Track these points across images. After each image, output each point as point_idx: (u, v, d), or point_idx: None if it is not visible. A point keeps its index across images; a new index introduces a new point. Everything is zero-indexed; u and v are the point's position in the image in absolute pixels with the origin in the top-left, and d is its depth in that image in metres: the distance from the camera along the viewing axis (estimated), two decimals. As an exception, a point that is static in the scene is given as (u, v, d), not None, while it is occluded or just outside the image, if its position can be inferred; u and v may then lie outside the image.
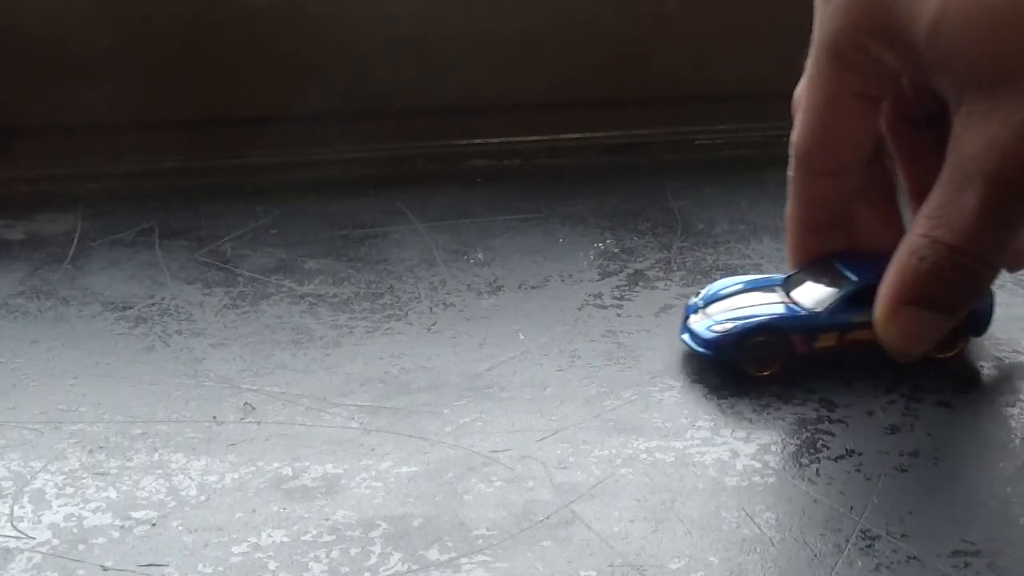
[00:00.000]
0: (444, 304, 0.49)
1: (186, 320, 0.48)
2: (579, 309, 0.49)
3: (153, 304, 0.49)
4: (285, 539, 0.36)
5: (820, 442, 0.40)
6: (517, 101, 0.63)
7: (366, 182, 0.61)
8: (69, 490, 0.38)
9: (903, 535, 0.36)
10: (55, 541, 0.35)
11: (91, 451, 0.40)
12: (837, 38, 0.39)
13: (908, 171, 0.44)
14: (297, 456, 0.40)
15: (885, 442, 0.40)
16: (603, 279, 0.52)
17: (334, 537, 0.36)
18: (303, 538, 0.36)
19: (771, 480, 0.38)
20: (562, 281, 0.51)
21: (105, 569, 0.34)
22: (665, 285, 0.51)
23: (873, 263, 0.41)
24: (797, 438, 0.41)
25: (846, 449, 0.40)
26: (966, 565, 0.35)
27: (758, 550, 0.35)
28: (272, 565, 0.35)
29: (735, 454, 0.40)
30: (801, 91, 0.42)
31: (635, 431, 0.41)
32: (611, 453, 0.40)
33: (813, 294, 0.44)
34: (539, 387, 0.44)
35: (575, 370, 0.45)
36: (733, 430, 0.41)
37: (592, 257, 0.54)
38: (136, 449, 0.40)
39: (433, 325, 0.48)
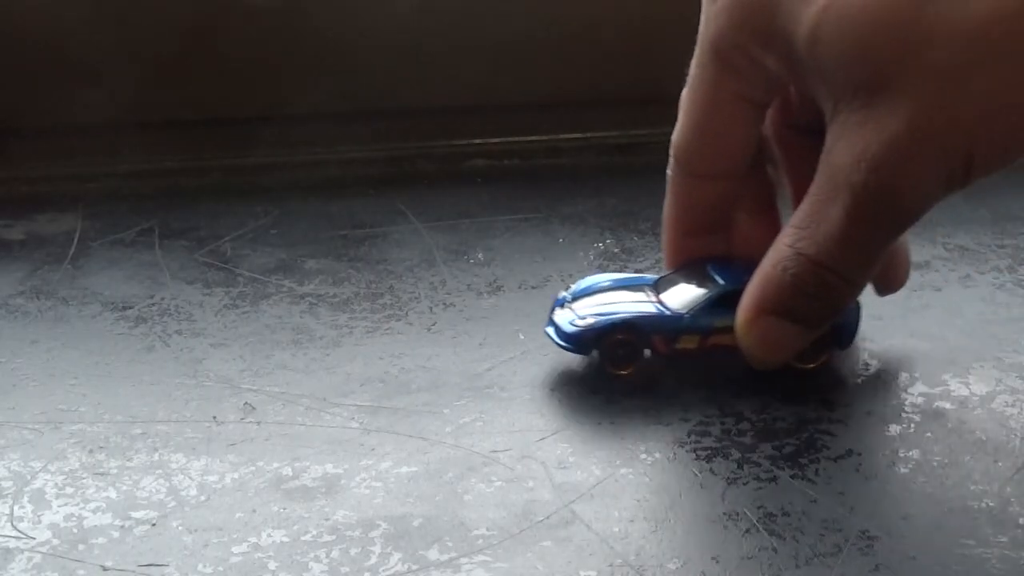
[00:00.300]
0: (444, 304, 0.49)
1: (186, 320, 0.48)
2: (579, 309, 0.49)
3: (153, 304, 0.49)
4: (285, 539, 0.36)
5: (820, 442, 0.40)
6: (517, 101, 0.63)
7: (366, 182, 0.61)
8: (69, 490, 0.38)
9: (903, 535, 0.36)
10: (55, 541, 0.35)
11: (91, 451, 0.40)
12: (719, 38, 0.39)
13: (792, 180, 0.43)
14: (297, 456, 0.40)
15: (885, 442, 0.40)
16: (603, 279, 0.52)
17: (334, 537, 0.36)
18: (303, 538, 0.36)
19: (771, 480, 0.38)
20: (562, 281, 0.51)
21: (105, 569, 0.34)
22: (665, 285, 0.51)
23: (747, 269, 0.40)
24: (797, 438, 0.41)
25: (846, 449, 0.40)
26: (966, 565, 0.35)
27: (758, 550, 0.35)
28: (272, 565, 0.35)
29: (735, 454, 0.40)
30: (685, 91, 0.41)
31: (635, 431, 0.41)
32: (611, 453, 0.40)
33: (680, 296, 0.43)
34: (539, 387, 0.44)
35: (575, 370, 0.45)
36: (733, 430, 0.41)
37: (592, 257, 0.54)
38: (136, 449, 0.40)
39: (433, 325, 0.48)
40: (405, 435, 0.41)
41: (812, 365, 0.44)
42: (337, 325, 0.48)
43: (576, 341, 0.43)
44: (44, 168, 0.61)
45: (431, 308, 0.49)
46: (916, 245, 0.54)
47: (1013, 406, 0.42)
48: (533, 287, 0.51)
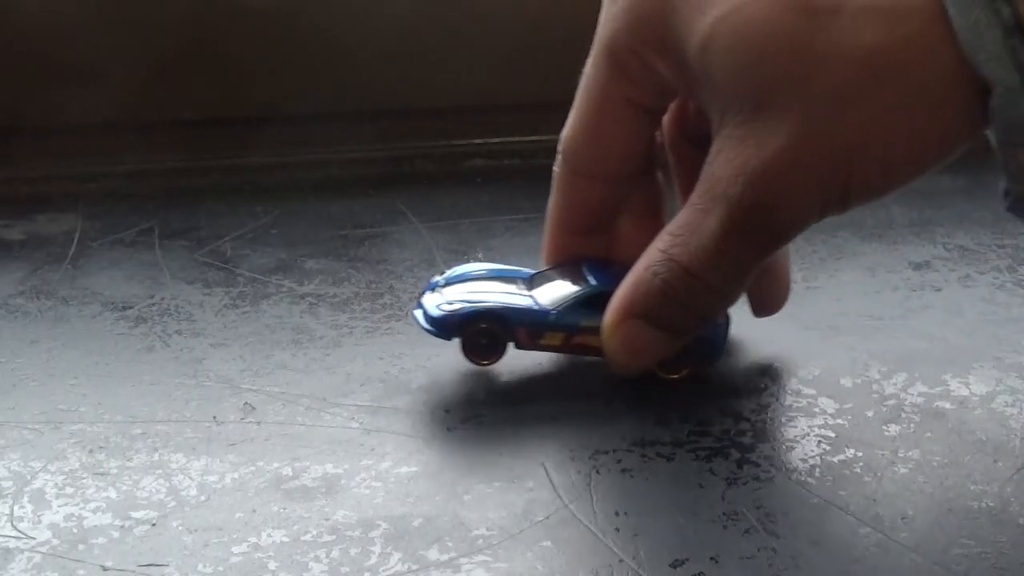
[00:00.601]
0: (444, 304, 0.49)
1: (186, 320, 0.48)
2: (579, 309, 0.49)
3: (153, 304, 0.49)
4: (285, 539, 0.36)
5: (820, 442, 0.40)
6: (517, 101, 0.63)
7: (366, 182, 0.61)
8: (69, 490, 0.38)
9: (903, 535, 0.36)
10: (55, 541, 0.35)
11: (91, 451, 0.40)
12: (614, 40, 0.38)
13: (682, 189, 0.43)
14: (297, 456, 0.40)
15: (885, 442, 0.40)
16: (603, 279, 0.52)
17: (334, 537, 0.36)
18: (303, 538, 0.36)
19: (771, 480, 0.38)
20: (562, 281, 0.51)
21: (105, 569, 0.34)
22: (665, 285, 0.51)
23: (623, 272, 0.40)
24: (796, 438, 0.41)
25: (846, 449, 0.40)
26: (966, 565, 0.35)
27: (758, 550, 0.35)
28: (272, 565, 0.35)
29: (735, 454, 0.40)
30: (578, 89, 0.41)
31: (635, 431, 0.41)
32: (611, 453, 0.40)
33: (551, 292, 0.43)
34: (539, 387, 0.44)
35: (575, 370, 0.45)
36: (733, 430, 0.41)
37: (592, 257, 0.54)
38: (136, 449, 0.40)
39: (433, 325, 0.48)
40: (405, 435, 0.41)
41: (675, 376, 0.43)
42: (337, 325, 0.48)
43: (440, 325, 0.43)
44: (44, 168, 0.61)
45: (431, 308, 0.49)
46: (916, 245, 0.55)
47: (1013, 406, 0.42)
48: (533, 287, 0.51)
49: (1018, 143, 0.33)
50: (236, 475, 0.39)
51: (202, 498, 0.38)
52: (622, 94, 0.40)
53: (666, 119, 0.43)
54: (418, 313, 0.44)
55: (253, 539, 0.36)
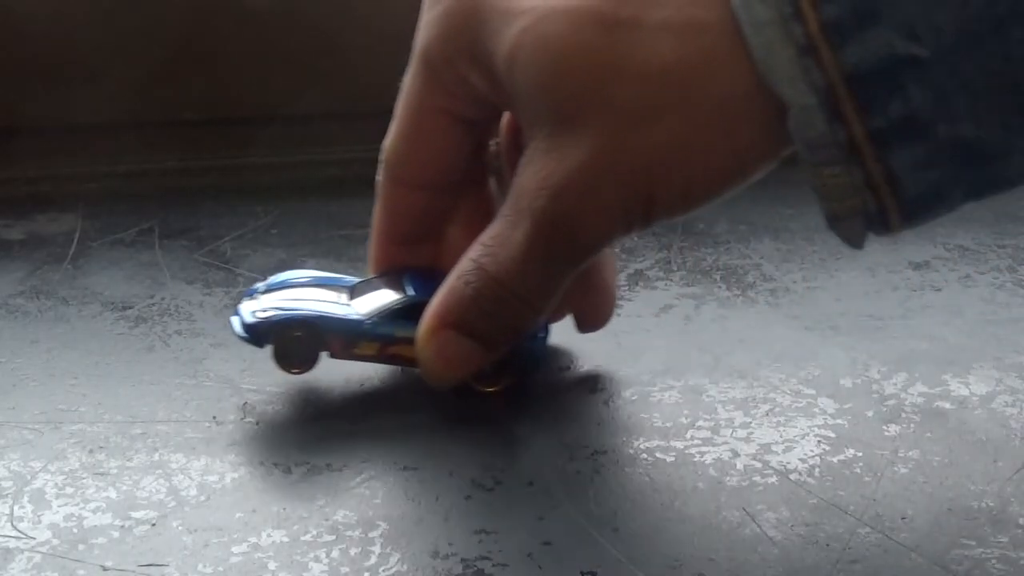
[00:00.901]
0: (444, 304, 0.49)
1: (186, 320, 0.48)
2: (579, 309, 0.49)
3: (153, 304, 0.49)
4: (285, 539, 0.36)
5: (820, 442, 0.40)
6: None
7: (366, 182, 0.61)
8: (69, 490, 0.38)
9: (903, 535, 0.36)
10: (55, 541, 0.35)
11: (91, 451, 0.40)
12: (429, 49, 0.38)
13: None
14: (297, 456, 0.40)
15: (885, 442, 0.40)
16: (603, 279, 0.52)
17: (334, 537, 0.36)
18: (303, 538, 0.36)
19: (771, 480, 0.38)
20: (562, 281, 0.51)
21: (105, 569, 0.34)
22: (665, 285, 0.51)
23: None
24: (797, 438, 0.41)
25: (846, 449, 0.40)
26: (966, 565, 0.35)
27: (758, 550, 0.35)
28: (272, 565, 0.35)
29: (735, 454, 0.40)
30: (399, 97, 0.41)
31: (635, 431, 0.41)
32: (611, 453, 0.40)
33: (368, 302, 0.42)
34: (539, 387, 0.44)
35: (575, 370, 0.45)
36: (733, 430, 0.41)
37: (592, 257, 0.54)
38: (136, 449, 0.40)
39: (433, 325, 0.48)
40: (405, 435, 0.41)
41: (491, 389, 0.42)
42: (337, 325, 0.48)
43: (252, 332, 0.42)
44: (44, 168, 0.61)
45: (431, 308, 0.49)
46: (916, 245, 0.55)
47: (1013, 406, 0.42)
48: (533, 287, 0.51)
49: (821, 162, 0.33)
50: (236, 475, 0.39)
51: (202, 498, 0.38)
52: (438, 104, 0.39)
53: (503, 127, 0.42)
54: (234, 320, 0.43)
55: (253, 539, 0.36)
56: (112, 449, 0.40)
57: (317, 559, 0.35)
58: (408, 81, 0.40)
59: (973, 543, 0.36)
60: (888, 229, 0.34)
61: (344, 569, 0.35)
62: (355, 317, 0.42)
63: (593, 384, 0.44)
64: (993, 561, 0.35)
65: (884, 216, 0.34)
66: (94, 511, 0.37)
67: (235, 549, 0.35)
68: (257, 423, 0.41)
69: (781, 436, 0.41)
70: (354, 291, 0.43)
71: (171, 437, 0.41)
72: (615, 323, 0.48)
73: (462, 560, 0.35)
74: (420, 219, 0.42)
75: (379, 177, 0.42)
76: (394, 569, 0.35)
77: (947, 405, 0.43)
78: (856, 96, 0.32)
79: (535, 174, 0.35)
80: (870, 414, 0.42)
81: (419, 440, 0.41)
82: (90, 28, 0.60)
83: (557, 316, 0.44)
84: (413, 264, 0.43)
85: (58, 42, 0.60)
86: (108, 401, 0.42)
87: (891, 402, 0.43)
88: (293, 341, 0.42)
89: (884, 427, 0.41)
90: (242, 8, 0.61)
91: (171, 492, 0.38)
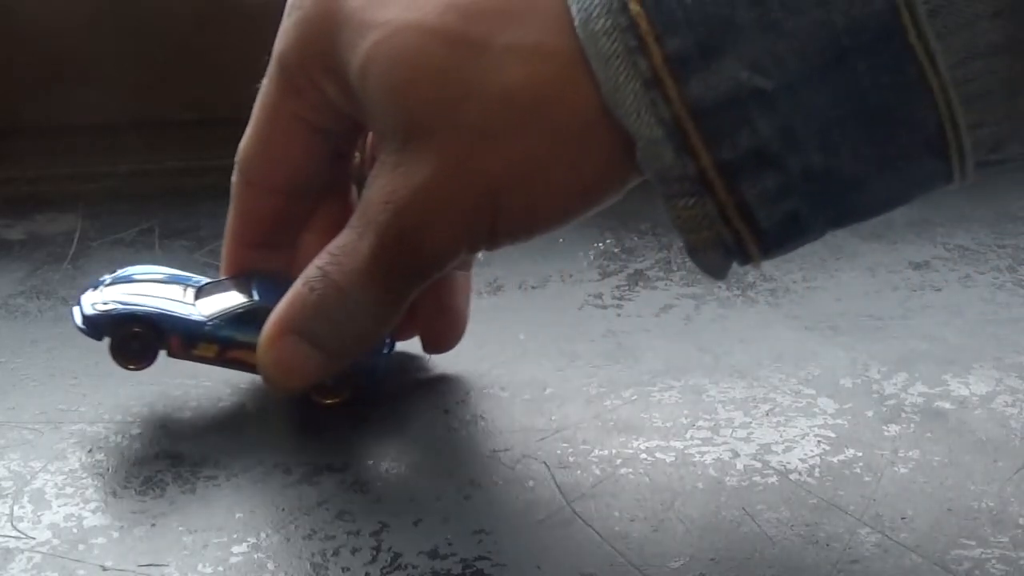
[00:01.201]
0: (444, 304, 0.49)
1: (186, 320, 0.48)
2: (579, 309, 0.49)
3: (153, 304, 0.49)
4: (285, 539, 0.36)
5: (820, 442, 0.40)
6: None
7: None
8: (69, 490, 0.38)
9: (903, 535, 0.36)
10: (55, 541, 0.35)
11: (91, 451, 0.40)
12: (285, 56, 0.38)
13: None
14: (297, 456, 0.40)
15: (885, 442, 0.40)
16: (603, 279, 0.52)
17: (334, 537, 0.36)
18: (303, 538, 0.36)
19: (771, 480, 0.38)
20: (562, 281, 0.51)
21: (105, 569, 0.34)
22: (665, 285, 0.51)
23: None
24: (797, 438, 0.41)
25: (846, 449, 0.40)
26: (966, 565, 0.35)
27: (758, 550, 0.35)
28: (272, 565, 0.35)
29: (735, 454, 0.40)
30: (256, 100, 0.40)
31: (635, 431, 0.41)
32: (611, 453, 0.40)
33: (213, 303, 0.42)
34: (539, 387, 0.44)
35: (575, 370, 0.45)
36: (733, 430, 0.41)
37: (592, 257, 0.54)
38: (136, 449, 0.40)
39: (433, 325, 0.48)
40: (405, 435, 0.41)
41: (329, 401, 0.42)
42: (337, 325, 0.48)
43: (90, 325, 0.41)
44: (44, 168, 0.61)
45: (431, 308, 0.49)
46: (916, 245, 0.55)
47: (1013, 406, 0.42)
48: (533, 287, 0.51)
49: (673, 194, 0.33)
50: (236, 475, 0.39)
51: (202, 498, 0.38)
52: (291, 110, 0.39)
53: (371, 136, 0.42)
54: (75, 310, 0.42)
55: (253, 539, 0.36)
56: (112, 449, 0.40)
57: (317, 559, 0.35)
58: (264, 85, 0.39)
59: (973, 543, 0.36)
60: (749, 260, 0.34)
61: (344, 569, 0.35)
62: (196, 318, 0.41)
63: (594, 384, 0.44)
64: (993, 561, 0.35)
65: (742, 247, 0.34)
66: (94, 511, 0.37)
67: (235, 549, 0.35)
68: (257, 423, 0.41)
69: (781, 436, 0.41)
70: (201, 291, 0.43)
71: (171, 437, 0.41)
72: (615, 323, 0.48)
73: (462, 560, 0.35)
74: (273, 224, 0.42)
75: (233, 178, 0.42)
76: (394, 569, 0.35)
77: (947, 405, 0.43)
78: (703, 129, 0.32)
79: (381, 188, 0.35)
80: (870, 414, 0.42)
81: (419, 440, 0.41)
82: (90, 28, 0.60)
83: (405, 335, 0.44)
84: (266, 269, 0.42)
85: (58, 42, 0.60)
86: (108, 401, 0.42)
87: (891, 402, 0.43)
88: (131, 337, 0.41)
89: (884, 427, 0.41)
90: (242, 8, 0.61)
91: (171, 492, 0.38)
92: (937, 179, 0.33)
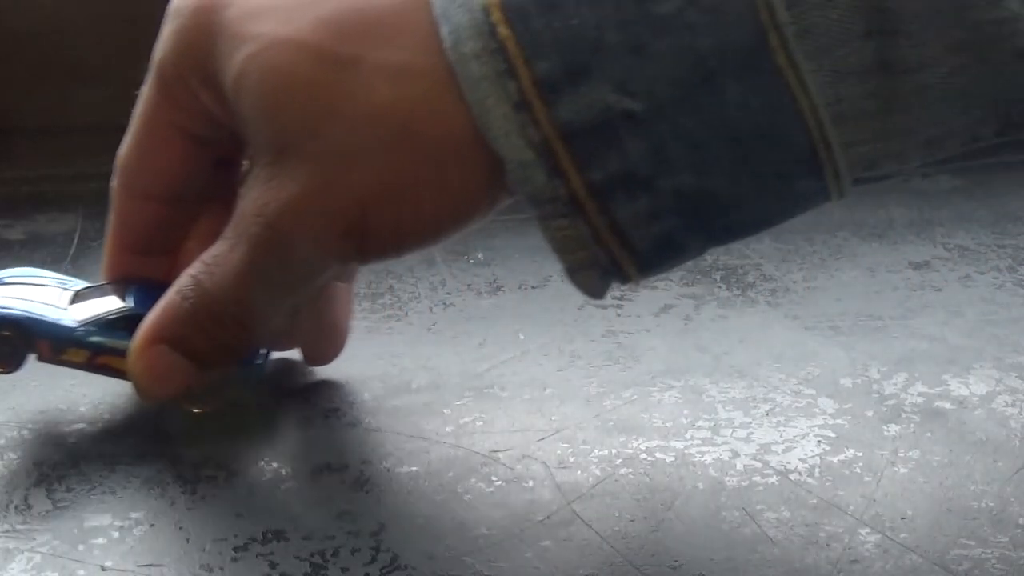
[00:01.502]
0: (444, 304, 0.49)
1: (186, 320, 0.48)
2: (579, 309, 0.49)
3: (153, 304, 0.49)
4: (285, 539, 0.36)
5: (820, 442, 0.40)
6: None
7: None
8: (69, 490, 0.38)
9: (903, 535, 0.36)
10: (55, 541, 0.35)
11: (91, 451, 0.40)
12: (163, 63, 0.38)
13: None
14: (297, 456, 0.40)
15: (885, 442, 0.40)
16: (603, 279, 0.52)
17: (334, 537, 0.36)
18: (303, 538, 0.36)
19: (771, 480, 0.38)
20: (562, 281, 0.51)
21: (105, 569, 0.34)
22: (665, 285, 0.51)
23: None
24: (797, 438, 0.41)
25: (846, 449, 0.40)
26: (966, 565, 0.35)
27: (759, 550, 0.35)
28: (272, 565, 0.35)
29: (735, 454, 0.40)
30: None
31: (635, 431, 0.41)
32: (611, 453, 0.40)
33: (88, 308, 0.41)
34: (539, 387, 0.44)
35: (575, 370, 0.45)
36: (733, 430, 0.41)
37: (592, 257, 0.54)
38: (136, 449, 0.40)
39: (433, 325, 0.48)
40: (405, 435, 0.41)
41: (198, 410, 0.41)
42: (337, 325, 0.48)
43: None
44: (44, 168, 0.61)
45: (431, 308, 0.49)
46: (916, 245, 0.55)
47: (1013, 406, 0.42)
48: (533, 287, 0.51)
49: (547, 216, 0.33)
50: (236, 475, 0.39)
51: (202, 498, 0.38)
52: (169, 119, 0.39)
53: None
54: None
55: (253, 539, 0.36)
56: (112, 449, 0.40)
57: (317, 559, 0.35)
58: (144, 92, 0.39)
59: (973, 543, 0.36)
60: (627, 279, 0.34)
61: (344, 569, 0.35)
62: (67, 323, 0.40)
63: (594, 384, 0.44)
64: (993, 561, 0.35)
65: (618, 267, 0.34)
66: (94, 511, 0.37)
67: (235, 549, 0.35)
68: (257, 423, 0.41)
69: (781, 436, 0.41)
70: (77, 296, 0.42)
71: (171, 437, 0.41)
72: (615, 323, 0.48)
73: (462, 560, 0.35)
74: (153, 230, 0.41)
75: (112, 184, 0.41)
76: (394, 569, 0.35)
77: (947, 405, 0.43)
78: (573, 151, 0.32)
79: (254, 201, 0.35)
80: (870, 414, 0.42)
81: (419, 440, 0.41)
82: (90, 28, 0.60)
83: (284, 345, 0.44)
84: (146, 275, 0.42)
85: (58, 42, 0.60)
86: (108, 401, 0.42)
87: (891, 402, 0.43)
88: (2, 341, 0.40)
89: (884, 427, 0.41)
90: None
91: (171, 492, 0.38)
92: (814, 197, 0.34)
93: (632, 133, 0.32)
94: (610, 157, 0.32)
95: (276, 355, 0.44)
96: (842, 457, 0.40)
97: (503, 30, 0.32)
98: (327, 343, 0.44)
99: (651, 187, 0.33)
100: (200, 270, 0.37)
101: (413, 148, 0.34)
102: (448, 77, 0.33)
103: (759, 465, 0.39)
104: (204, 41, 0.36)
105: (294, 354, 0.44)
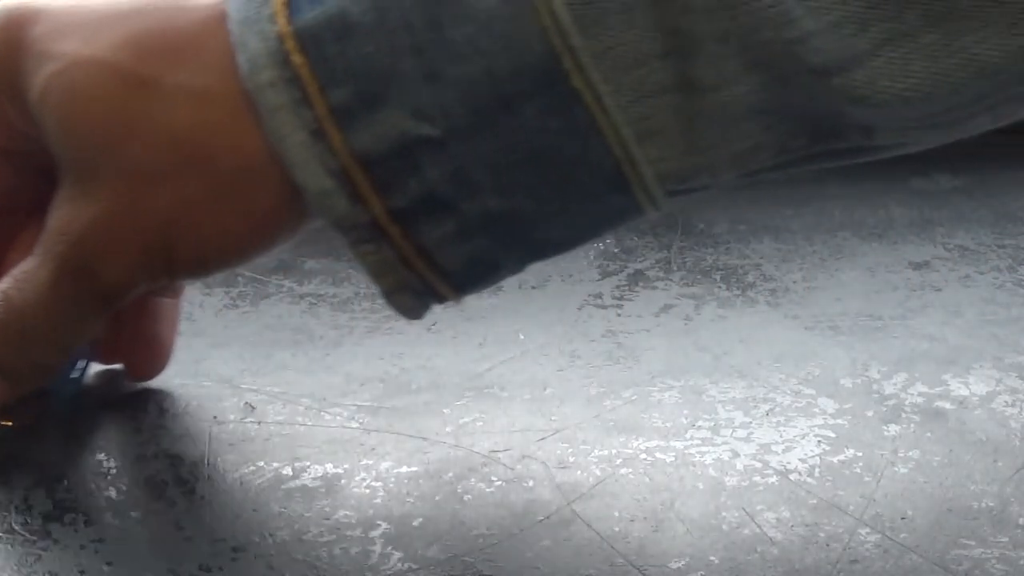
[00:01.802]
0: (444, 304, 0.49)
1: (186, 320, 0.48)
2: (579, 309, 0.49)
3: (153, 304, 0.49)
4: (285, 539, 0.36)
5: (820, 442, 0.40)
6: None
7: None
8: (72, 490, 0.38)
9: (903, 535, 0.36)
10: (58, 541, 0.35)
11: (92, 451, 0.40)
12: None
13: None
14: (297, 456, 0.40)
15: (885, 442, 0.40)
16: (603, 279, 0.52)
17: (334, 537, 0.36)
18: (303, 538, 0.36)
19: (771, 480, 0.39)
20: (562, 281, 0.51)
21: (105, 569, 0.34)
22: (665, 285, 0.51)
23: None
24: (797, 438, 0.41)
25: (846, 449, 0.40)
26: (966, 565, 0.35)
27: (758, 550, 0.35)
28: (272, 565, 0.35)
29: (735, 454, 0.40)
30: None
31: (635, 431, 0.41)
32: (611, 453, 0.40)
33: None
34: (539, 387, 0.44)
35: (575, 370, 0.45)
36: (733, 430, 0.41)
37: (592, 257, 0.54)
38: (136, 449, 0.40)
39: (433, 325, 0.48)
40: (405, 435, 0.41)
41: (7, 424, 0.40)
42: (337, 325, 0.48)
43: None
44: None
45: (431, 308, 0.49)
46: (916, 245, 0.55)
47: (1013, 406, 0.42)
48: (533, 287, 0.51)
49: (354, 241, 0.33)
50: (236, 475, 0.39)
51: (202, 498, 0.38)
52: None
53: None
54: None
55: (253, 539, 0.36)
56: (112, 449, 0.40)
57: (317, 559, 0.35)
58: None
59: (973, 543, 0.36)
60: (444, 299, 0.35)
61: (344, 569, 0.35)
62: None
63: (594, 384, 0.44)
64: (993, 561, 0.35)
65: (431, 289, 0.34)
66: (96, 510, 0.37)
67: (235, 549, 0.35)
68: (258, 423, 0.41)
69: (781, 436, 0.41)
70: None
71: (171, 437, 0.41)
72: (615, 323, 0.48)
73: (462, 560, 0.35)
74: None
75: None
76: (394, 569, 0.35)
77: (947, 405, 0.43)
78: (372, 178, 0.32)
79: (59, 219, 0.35)
80: (870, 414, 0.42)
81: (418, 441, 0.41)
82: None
83: (108, 359, 0.44)
84: None
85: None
86: (108, 401, 0.42)
87: (891, 402, 0.43)
88: None
89: (884, 427, 0.41)
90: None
91: (171, 492, 0.38)
92: (627, 212, 0.34)
93: (431, 158, 0.32)
94: (410, 183, 0.32)
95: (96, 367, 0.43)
96: (842, 457, 0.40)
97: (297, 58, 0.32)
98: (149, 357, 0.43)
99: (456, 210, 0.33)
100: (10, 285, 0.37)
101: (213, 173, 0.34)
102: (247, 103, 0.33)
103: (759, 465, 0.39)
104: (11, 57, 0.35)
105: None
